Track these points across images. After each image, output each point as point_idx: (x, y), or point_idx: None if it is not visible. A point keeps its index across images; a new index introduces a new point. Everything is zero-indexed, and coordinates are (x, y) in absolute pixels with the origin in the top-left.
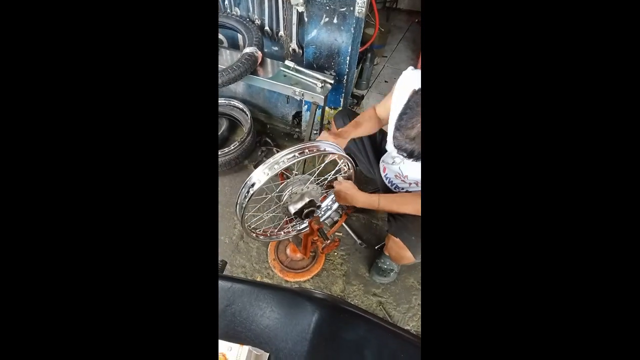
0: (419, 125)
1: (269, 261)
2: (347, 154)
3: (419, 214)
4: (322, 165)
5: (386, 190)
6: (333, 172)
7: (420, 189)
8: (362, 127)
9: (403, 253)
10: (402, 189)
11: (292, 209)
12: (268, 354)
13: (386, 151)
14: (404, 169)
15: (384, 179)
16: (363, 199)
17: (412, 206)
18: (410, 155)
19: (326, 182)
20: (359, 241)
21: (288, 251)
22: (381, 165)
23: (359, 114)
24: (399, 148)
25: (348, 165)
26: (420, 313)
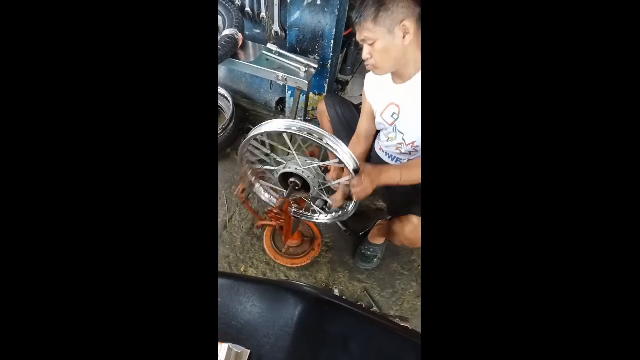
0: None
1: (265, 247)
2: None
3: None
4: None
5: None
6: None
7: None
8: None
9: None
10: (403, 160)
11: (281, 170)
12: (249, 351)
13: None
14: (407, 137)
15: (387, 158)
16: (385, 180)
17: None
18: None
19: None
20: (343, 228)
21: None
22: (377, 150)
23: (348, 101)
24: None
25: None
26: (403, 297)
